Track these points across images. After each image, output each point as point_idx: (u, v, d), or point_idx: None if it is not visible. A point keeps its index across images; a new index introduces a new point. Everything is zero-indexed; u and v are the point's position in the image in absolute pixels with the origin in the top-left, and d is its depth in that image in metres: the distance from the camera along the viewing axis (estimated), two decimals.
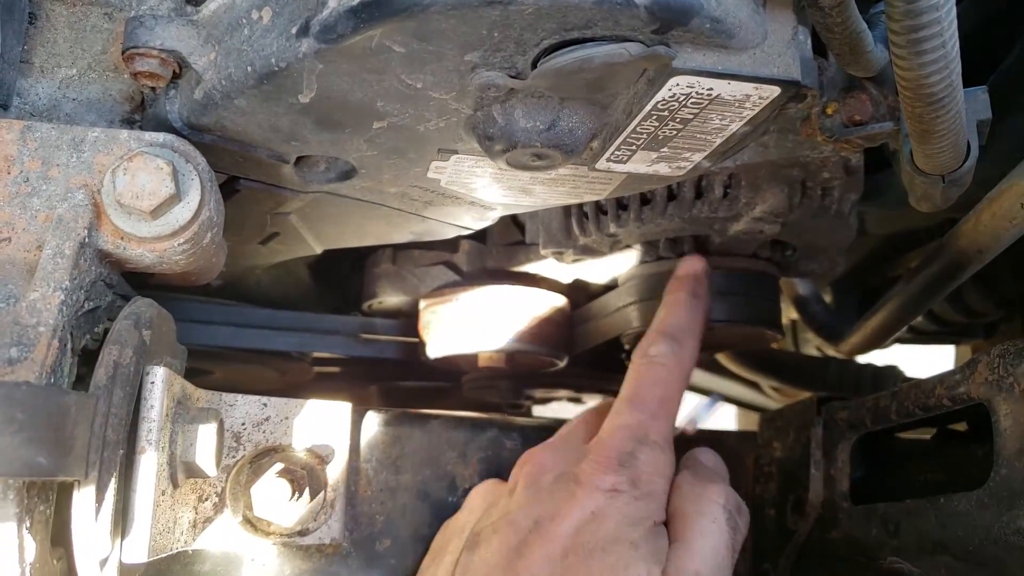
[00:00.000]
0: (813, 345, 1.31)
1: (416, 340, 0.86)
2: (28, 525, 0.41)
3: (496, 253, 0.89)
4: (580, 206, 0.76)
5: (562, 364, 0.89)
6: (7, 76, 0.52)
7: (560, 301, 0.86)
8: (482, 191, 0.64)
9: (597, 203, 0.75)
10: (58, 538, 0.45)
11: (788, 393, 1.28)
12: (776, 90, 0.49)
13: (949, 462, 0.77)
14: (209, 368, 0.91)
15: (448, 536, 0.67)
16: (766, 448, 0.86)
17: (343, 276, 0.94)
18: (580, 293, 0.91)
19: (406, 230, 0.72)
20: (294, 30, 0.45)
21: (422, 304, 0.85)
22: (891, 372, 1.07)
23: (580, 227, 0.76)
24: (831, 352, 1.08)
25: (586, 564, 0.56)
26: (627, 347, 0.84)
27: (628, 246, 0.78)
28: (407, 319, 0.89)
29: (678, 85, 0.48)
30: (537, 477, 0.63)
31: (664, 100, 0.49)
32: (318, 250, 0.75)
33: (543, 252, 0.80)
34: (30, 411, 0.38)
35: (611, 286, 0.88)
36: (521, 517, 0.60)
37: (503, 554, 0.58)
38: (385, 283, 0.88)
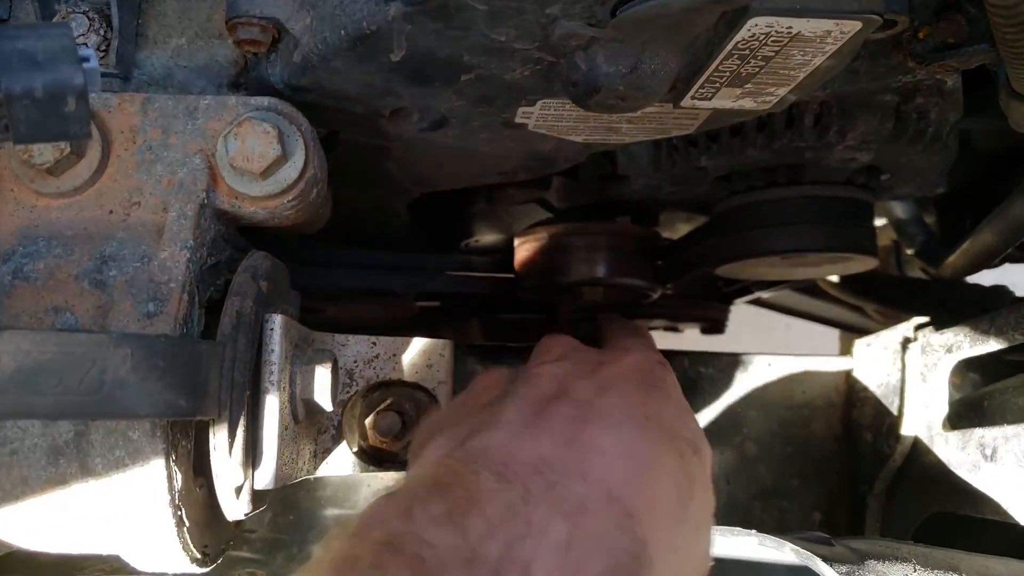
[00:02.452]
0: (917, 266, 1.26)
1: (513, 276, 0.89)
2: (174, 458, 0.47)
3: (588, 188, 0.90)
4: (670, 140, 0.76)
5: (657, 295, 0.90)
6: (126, 50, 0.56)
7: (653, 233, 0.87)
8: (569, 132, 0.65)
9: (687, 136, 0.74)
10: (199, 468, 0.51)
11: (892, 316, 1.25)
12: (858, 24, 0.47)
13: None
14: (320, 307, 0.97)
15: None
16: (862, 372, 0.86)
17: (442, 216, 0.97)
18: (674, 222, 0.92)
19: (497, 171, 0.73)
20: None
21: (517, 241, 0.88)
22: (999, 292, 1.03)
23: (670, 160, 0.76)
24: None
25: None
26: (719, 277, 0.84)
27: (720, 177, 0.78)
28: (504, 255, 0.92)
29: (756, 25, 0.47)
30: None
31: (744, 40, 0.48)
32: (416, 194, 0.78)
33: (634, 186, 0.81)
34: (170, 360, 0.43)
35: (704, 215, 0.88)
36: None
37: None
38: (481, 222, 0.90)
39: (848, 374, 0.87)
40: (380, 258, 0.90)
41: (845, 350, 1.55)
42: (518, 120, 0.62)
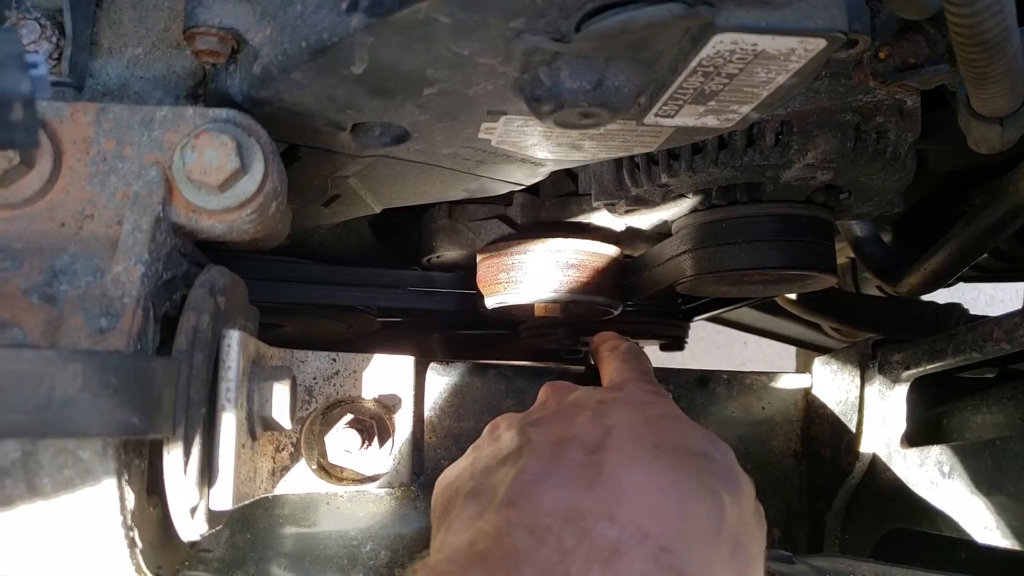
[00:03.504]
0: (873, 284, 1.29)
1: (474, 291, 0.89)
2: (127, 478, 0.45)
3: (549, 205, 0.90)
4: (631, 157, 0.76)
5: (617, 312, 0.90)
6: (79, 59, 0.55)
7: (613, 251, 0.87)
8: (532, 149, 0.65)
9: (648, 154, 0.75)
10: (153, 488, 0.50)
11: (848, 333, 1.27)
12: (822, 42, 0.48)
13: (1008, 402, 0.77)
14: (280, 322, 0.95)
15: None
16: (821, 390, 0.87)
17: (403, 231, 0.97)
18: (634, 240, 0.92)
19: (460, 188, 0.73)
20: (344, 5, 0.47)
21: (479, 257, 0.87)
22: (953, 310, 1.05)
23: (632, 178, 0.76)
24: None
25: None
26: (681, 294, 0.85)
27: (681, 195, 0.79)
28: (465, 271, 0.92)
29: (721, 42, 0.48)
30: None
31: (708, 57, 0.49)
32: (377, 210, 0.77)
33: (595, 204, 0.81)
34: (122, 377, 0.41)
35: (665, 233, 0.88)
36: None
37: None
38: (442, 237, 0.90)
39: (807, 391, 0.88)
40: (340, 273, 0.89)
41: (802, 368, 1.58)
42: (481, 135, 0.62)
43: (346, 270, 0.89)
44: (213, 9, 0.52)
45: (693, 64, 0.50)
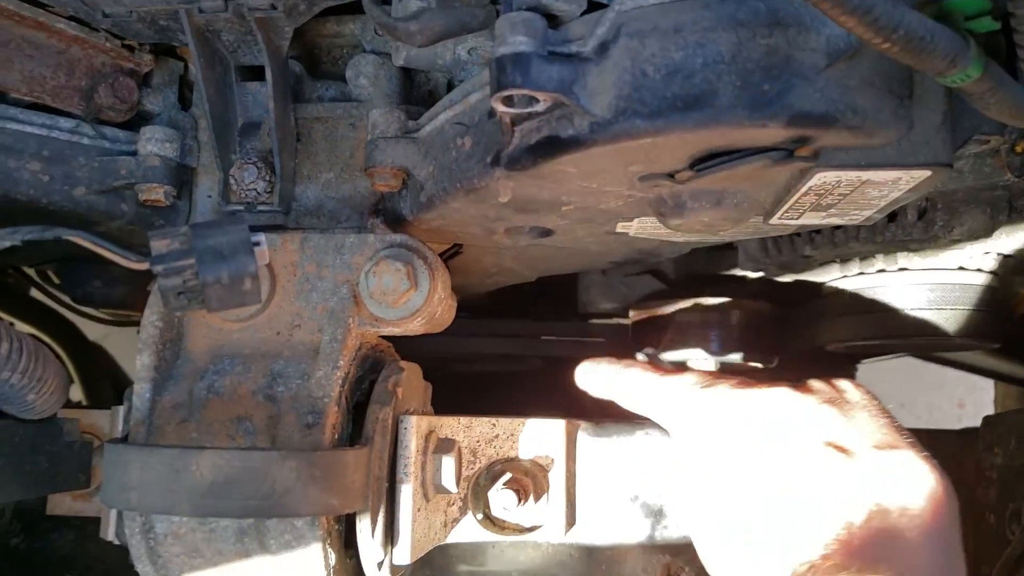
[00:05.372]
0: None
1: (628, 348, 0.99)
2: (329, 541, 0.61)
3: (702, 259, 0.98)
4: None
5: (773, 365, 0.97)
6: (286, 189, 0.71)
7: (766, 307, 0.94)
8: (668, 236, 0.74)
9: None
10: (348, 542, 0.65)
11: None
12: (926, 172, 0.54)
13: None
14: (452, 364, 1.11)
15: None
16: (987, 453, 0.89)
17: (562, 286, 1.09)
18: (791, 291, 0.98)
19: (605, 261, 0.84)
20: (488, 159, 0.59)
21: (631, 314, 0.98)
22: None
23: (776, 248, 0.84)
24: None
25: None
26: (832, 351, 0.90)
27: (828, 262, 0.85)
28: (620, 321, 1.02)
29: (825, 177, 0.55)
30: None
31: (816, 186, 0.57)
32: (532, 279, 0.90)
33: (742, 268, 0.89)
34: (324, 468, 0.56)
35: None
36: None
37: None
38: (596, 292, 1.01)
39: (974, 449, 0.91)
40: (502, 326, 1.02)
41: (1000, 396, 1.54)
42: (619, 230, 0.72)
43: (511, 323, 1.03)
44: (387, 152, 0.66)
45: (803, 190, 0.58)
